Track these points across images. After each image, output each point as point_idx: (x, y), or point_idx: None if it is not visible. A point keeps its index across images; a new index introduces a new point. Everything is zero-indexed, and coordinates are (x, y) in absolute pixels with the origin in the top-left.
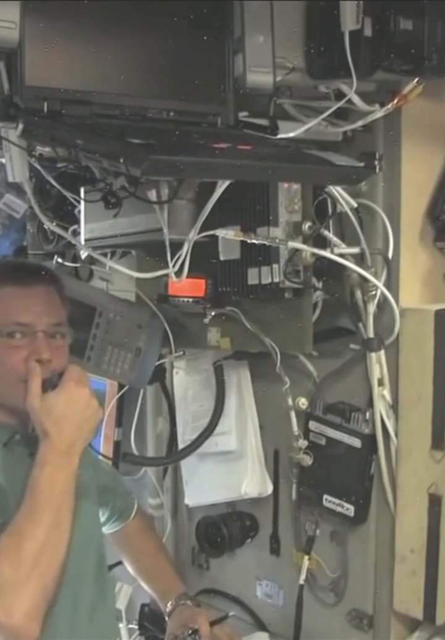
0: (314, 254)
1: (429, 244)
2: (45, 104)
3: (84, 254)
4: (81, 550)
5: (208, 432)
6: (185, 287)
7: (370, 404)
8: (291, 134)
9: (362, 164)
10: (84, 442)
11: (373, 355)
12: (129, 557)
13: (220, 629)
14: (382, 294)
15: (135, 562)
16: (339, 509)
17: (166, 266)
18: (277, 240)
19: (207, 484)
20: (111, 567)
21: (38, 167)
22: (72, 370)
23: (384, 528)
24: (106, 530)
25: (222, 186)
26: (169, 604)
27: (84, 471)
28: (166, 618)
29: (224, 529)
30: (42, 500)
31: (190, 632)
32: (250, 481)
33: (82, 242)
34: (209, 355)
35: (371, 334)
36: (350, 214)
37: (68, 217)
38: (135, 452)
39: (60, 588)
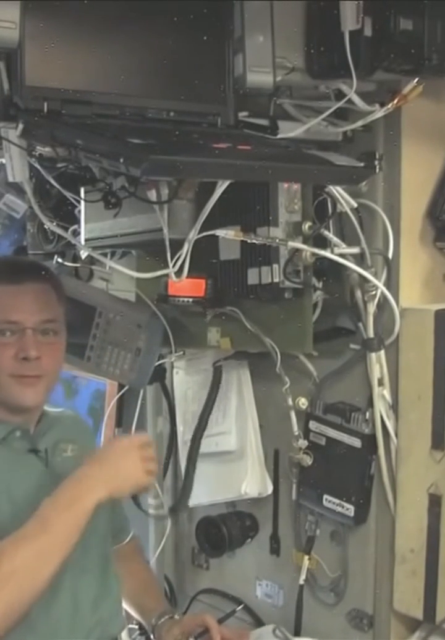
0: (314, 254)
1: (429, 244)
2: (45, 104)
3: (84, 254)
4: (83, 543)
5: (199, 434)
6: (185, 287)
7: (370, 404)
8: (291, 134)
9: (362, 164)
10: (111, 490)
11: (373, 355)
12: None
13: (227, 629)
14: (382, 294)
15: (123, 581)
16: (339, 509)
17: (166, 266)
18: (277, 240)
19: (207, 484)
20: None
21: (38, 167)
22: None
23: (384, 528)
24: None
25: (222, 186)
26: (154, 619)
27: None
28: (151, 635)
29: (224, 529)
30: (36, 525)
31: (198, 633)
32: (250, 481)
33: (82, 242)
34: (209, 355)
35: (371, 334)
36: (350, 214)
37: (68, 217)
38: None
39: (61, 580)
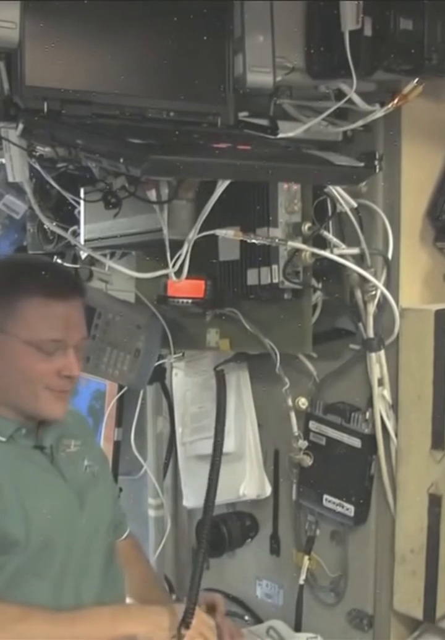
0: (313, 255)
1: (429, 244)
2: (45, 104)
3: (83, 255)
4: (88, 540)
5: (217, 449)
6: (185, 288)
7: (370, 404)
8: (291, 134)
9: (362, 164)
10: (153, 634)
11: (373, 355)
12: None
13: (229, 623)
14: (382, 294)
15: (126, 577)
16: (339, 509)
17: (166, 266)
18: (276, 241)
19: (205, 486)
20: None
21: (38, 167)
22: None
23: (384, 528)
24: None
25: (222, 186)
26: None
27: (95, 462)
28: None
29: (224, 529)
30: (69, 616)
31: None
32: (249, 483)
33: (82, 242)
34: (209, 356)
35: (371, 334)
36: (350, 214)
37: (68, 218)
38: (135, 452)
39: (65, 575)
